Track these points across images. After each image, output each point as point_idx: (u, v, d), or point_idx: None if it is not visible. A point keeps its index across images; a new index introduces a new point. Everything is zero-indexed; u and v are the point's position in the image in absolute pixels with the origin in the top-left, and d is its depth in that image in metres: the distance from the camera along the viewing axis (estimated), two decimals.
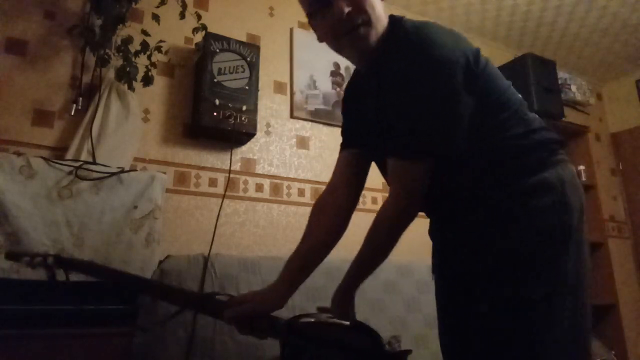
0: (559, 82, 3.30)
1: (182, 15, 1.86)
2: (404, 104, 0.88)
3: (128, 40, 1.78)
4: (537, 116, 0.97)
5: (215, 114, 1.88)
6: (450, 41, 0.88)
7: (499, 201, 0.88)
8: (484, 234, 0.89)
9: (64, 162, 1.51)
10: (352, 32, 0.93)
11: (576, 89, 3.52)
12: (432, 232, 1.09)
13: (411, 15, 1.90)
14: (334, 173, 1.17)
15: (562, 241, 0.84)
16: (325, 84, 2.44)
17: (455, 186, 0.93)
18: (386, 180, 1.02)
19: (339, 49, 1.00)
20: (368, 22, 0.92)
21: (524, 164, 0.88)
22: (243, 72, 2.02)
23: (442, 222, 1.02)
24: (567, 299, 0.83)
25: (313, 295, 1.76)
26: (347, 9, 0.91)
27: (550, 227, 0.84)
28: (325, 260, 1.99)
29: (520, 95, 0.97)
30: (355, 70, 1.15)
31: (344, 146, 1.16)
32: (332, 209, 1.17)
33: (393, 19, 0.98)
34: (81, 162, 1.53)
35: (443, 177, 0.92)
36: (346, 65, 2.53)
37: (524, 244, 0.84)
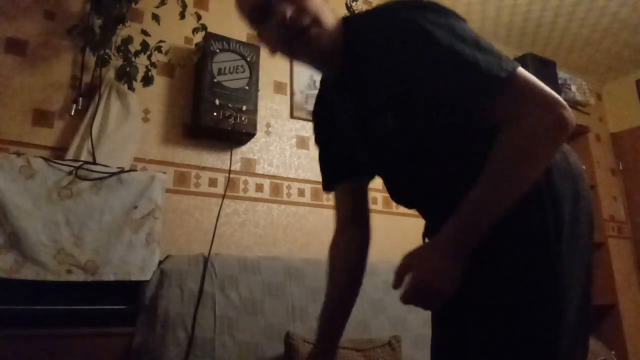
0: (559, 82, 3.30)
1: (182, 15, 1.86)
2: (432, 61, 0.77)
3: (128, 40, 1.77)
4: None
5: (215, 114, 1.88)
6: None
7: None
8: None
9: (64, 162, 1.51)
10: (302, 35, 0.84)
11: (576, 89, 3.52)
12: (428, 234, 0.97)
13: None
14: (337, 215, 1.09)
15: (545, 241, 0.75)
16: None
17: (446, 181, 0.85)
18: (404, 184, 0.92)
19: (294, 56, 0.92)
20: (317, 22, 0.84)
21: None
22: (243, 72, 2.02)
23: (436, 222, 0.91)
24: (567, 297, 0.75)
25: (313, 295, 1.76)
26: (289, 13, 0.82)
27: (532, 224, 0.76)
28: (325, 260, 1.99)
29: None
30: (320, 88, 1.05)
31: (331, 186, 1.07)
32: (347, 252, 1.08)
33: (347, 17, 0.91)
34: (81, 162, 1.53)
35: (435, 170, 0.85)
36: None
37: (507, 245, 0.76)
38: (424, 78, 0.78)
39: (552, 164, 0.78)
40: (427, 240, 0.94)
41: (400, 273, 0.76)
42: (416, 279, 0.73)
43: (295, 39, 0.85)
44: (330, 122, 1.01)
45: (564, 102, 0.73)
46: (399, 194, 0.97)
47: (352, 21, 0.89)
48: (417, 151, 0.86)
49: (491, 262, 0.77)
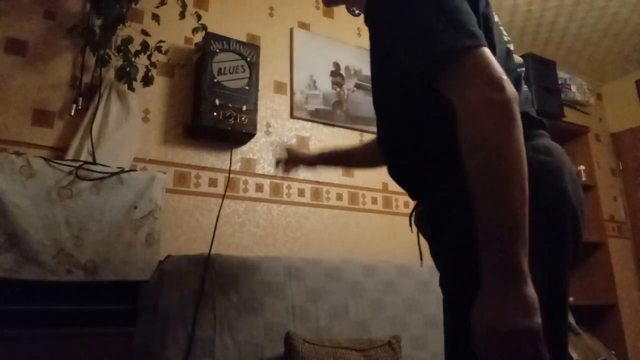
0: (559, 82, 3.30)
1: (182, 15, 1.86)
2: (399, 17, 0.77)
3: (128, 40, 1.77)
4: (525, 88, 0.90)
5: (215, 114, 1.88)
6: None
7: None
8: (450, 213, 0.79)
9: (64, 162, 1.51)
10: None
11: (576, 89, 3.52)
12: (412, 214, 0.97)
13: None
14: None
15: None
16: (325, 84, 2.44)
17: (403, 146, 0.87)
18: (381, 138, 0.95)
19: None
20: None
21: None
22: (243, 72, 2.02)
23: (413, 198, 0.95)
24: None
25: (313, 295, 1.76)
26: None
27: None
28: (326, 260, 2.00)
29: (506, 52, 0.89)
30: None
31: None
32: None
33: None
34: (81, 162, 1.53)
35: (393, 133, 0.89)
36: (346, 65, 2.53)
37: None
38: (391, 38, 0.80)
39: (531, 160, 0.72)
40: (413, 221, 0.95)
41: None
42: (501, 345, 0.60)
43: None
44: None
45: (505, 80, 0.68)
46: (382, 149, 0.98)
47: None
48: (381, 106, 0.92)
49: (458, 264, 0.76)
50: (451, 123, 0.70)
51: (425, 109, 0.82)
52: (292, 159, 1.48)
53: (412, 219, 0.96)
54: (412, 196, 0.96)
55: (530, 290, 0.61)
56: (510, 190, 0.63)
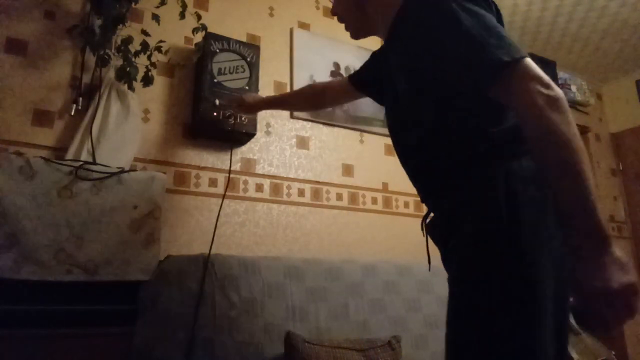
0: (559, 82, 3.30)
1: (182, 15, 1.86)
2: (451, 37, 0.87)
3: (128, 40, 1.77)
4: None
5: (215, 114, 1.88)
6: None
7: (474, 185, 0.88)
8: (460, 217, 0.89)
9: (64, 162, 1.51)
10: (348, 29, 1.16)
11: (576, 89, 3.52)
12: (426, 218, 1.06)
13: None
14: (334, 81, 1.64)
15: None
16: None
17: (431, 154, 0.96)
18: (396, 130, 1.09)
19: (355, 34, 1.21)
20: (345, 20, 1.17)
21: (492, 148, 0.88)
22: (243, 72, 2.02)
23: (427, 203, 1.04)
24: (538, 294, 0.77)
25: (313, 295, 1.76)
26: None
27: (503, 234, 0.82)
28: (325, 260, 2.00)
29: None
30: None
31: (351, 78, 1.44)
32: (318, 89, 1.63)
33: None
34: (81, 162, 1.53)
35: (424, 142, 0.97)
36: (346, 65, 2.53)
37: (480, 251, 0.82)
38: (441, 52, 0.89)
39: (516, 170, 0.84)
40: (426, 225, 1.04)
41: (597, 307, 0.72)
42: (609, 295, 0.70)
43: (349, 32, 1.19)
44: (380, 65, 1.28)
45: (552, 81, 0.80)
46: (400, 156, 1.09)
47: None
48: (414, 119, 1.00)
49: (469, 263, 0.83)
50: (481, 135, 0.88)
51: (458, 118, 0.92)
52: (242, 108, 1.82)
53: (424, 225, 1.04)
54: (427, 197, 1.03)
55: (619, 251, 0.73)
56: (584, 169, 0.73)
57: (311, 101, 1.66)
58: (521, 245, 0.79)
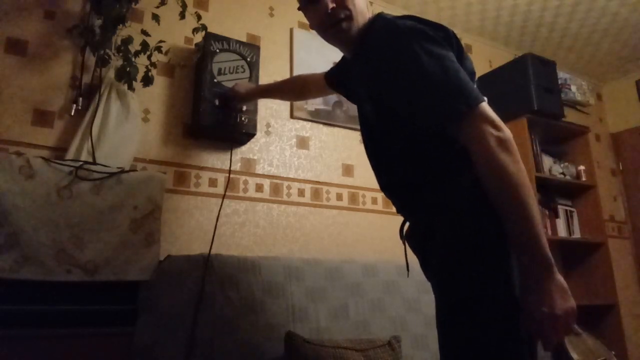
0: (559, 82, 3.29)
1: (182, 16, 1.86)
2: (414, 80, 0.94)
3: (128, 40, 1.77)
4: None
5: (215, 114, 1.88)
6: (432, 25, 1.00)
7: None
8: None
9: (64, 162, 1.51)
10: (336, 25, 1.09)
11: (576, 89, 3.52)
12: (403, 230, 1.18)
13: None
14: (315, 75, 1.62)
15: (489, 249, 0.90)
16: None
17: (398, 173, 1.07)
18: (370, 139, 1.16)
19: (326, 39, 1.17)
20: (349, 17, 1.08)
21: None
22: (243, 72, 2.02)
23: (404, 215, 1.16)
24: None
25: (313, 295, 1.76)
26: (331, 5, 1.07)
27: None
28: (325, 260, 2.00)
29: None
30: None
31: (326, 76, 1.52)
32: (304, 81, 1.70)
33: (376, 15, 1.09)
34: (81, 162, 1.53)
35: (392, 160, 1.07)
36: None
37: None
38: (402, 92, 0.97)
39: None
40: (405, 237, 1.16)
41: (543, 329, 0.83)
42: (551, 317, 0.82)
43: (330, 27, 1.11)
44: (347, 75, 1.33)
45: (502, 123, 0.91)
46: (373, 168, 1.20)
47: (376, 22, 1.07)
48: (383, 144, 1.09)
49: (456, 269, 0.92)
50: (446, 153, 0.97)
51: (424, 141, 1.00)
52: (236, 99, 1.87)
53: (402, 234, 1.16)
54: (402, 209, 1.15)
55: (561, 277, 0.83)
56: (530, 202, 0.83)
57: (299, 91, 1.74)
58: (488, 247, 0.89)
